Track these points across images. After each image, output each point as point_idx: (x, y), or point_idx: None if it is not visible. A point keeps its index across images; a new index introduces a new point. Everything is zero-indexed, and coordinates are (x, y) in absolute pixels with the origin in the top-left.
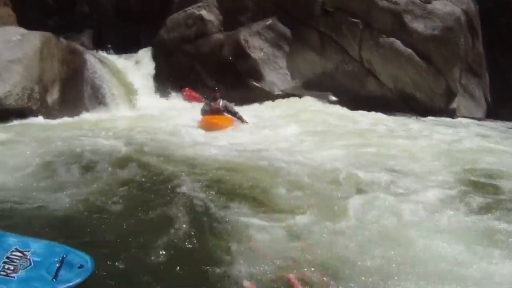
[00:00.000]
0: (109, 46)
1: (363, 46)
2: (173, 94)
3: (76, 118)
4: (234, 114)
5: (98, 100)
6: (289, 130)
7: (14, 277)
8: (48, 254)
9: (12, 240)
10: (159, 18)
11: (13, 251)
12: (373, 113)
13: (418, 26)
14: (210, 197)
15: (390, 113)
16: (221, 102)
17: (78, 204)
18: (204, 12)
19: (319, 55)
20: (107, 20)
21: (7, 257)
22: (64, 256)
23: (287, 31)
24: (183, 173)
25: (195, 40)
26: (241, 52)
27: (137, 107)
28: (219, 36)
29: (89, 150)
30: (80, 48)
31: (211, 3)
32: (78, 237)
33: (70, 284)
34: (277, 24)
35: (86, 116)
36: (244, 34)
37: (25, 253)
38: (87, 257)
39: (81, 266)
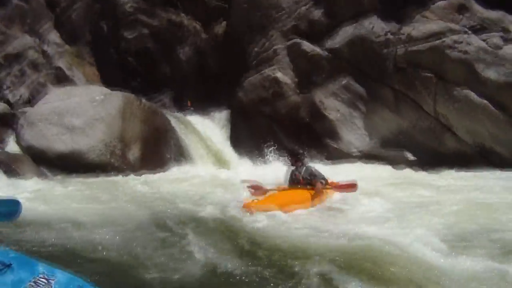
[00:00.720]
0: (189, 106)
1: (437, 100)
2: (254, 155)
3: (155, 176)
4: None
5: (178, 159)
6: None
7: None
8: (69, 284)
9: (42, 266)
10: (237, 78)
11: (40, 277)
12: (456, 172)
13: (491, 74)
14: None
15: (471, 170)
16: (303, 171)
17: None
18: (279, 74)
19: (394, 113)
20: (187, 81)
21: (34, 281)
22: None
23: (362, 90)
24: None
25: (273, 101)
26: (317, 113)
27: (216, 167)
28: (295, 97)
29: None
30: (161, 109)
31: (286, 65)
32: None
33: None
34: (352, 84)
35: (165, 173)
36: (319, 96)
37: (50, 280)
38: None
39: None
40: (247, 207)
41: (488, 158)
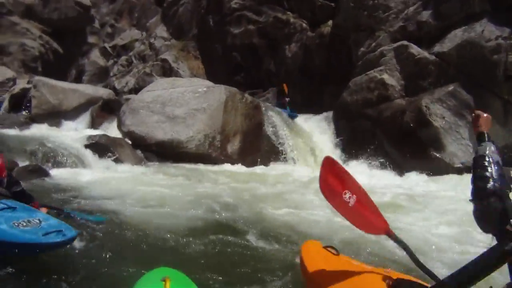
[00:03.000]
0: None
1: None
2: (355, 159)
3: (253, 170)
4: None
5: (276, 155)
6: None
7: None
8: (57, 227)
9: (40, 213)
10: (343, 79)
11: (34, 219)
12: None
13: None
14: None
15: None
16: None
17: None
18: (385, 76)
19: (502, 126)
20: (291, 78)
21: (28, 220)
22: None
23: (469, 98)
24: None
25: (377, 104)
26: (422, 119)
27: (315, 168)
28: (401, 101)
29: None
30: (264, 104)
31: (393, 67)
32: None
33: (50, 241)
34: (460, 91)
35: (264, 168)
36: (425, 101)
37: (42, 222)
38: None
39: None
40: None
41: None
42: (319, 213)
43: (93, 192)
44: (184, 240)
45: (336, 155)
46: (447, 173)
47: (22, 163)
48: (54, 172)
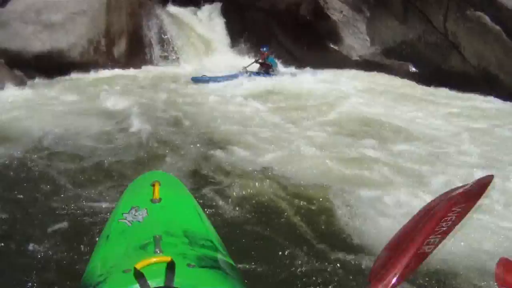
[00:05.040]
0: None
1: (449, 17)
2: (249, 51)
3: (141, 70)
4: None
5: (165, 54)
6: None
7: None
8: None
9: None
10: None
11: None
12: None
13: (508, 1)
14: None
15: (469, 92)
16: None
17: None
18: None
19: (401, 23)
20: None
21: None
22: None
23: None
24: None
25: None
26: (319, 13)
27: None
28: None
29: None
30: (149, 1)
31: None
32: None
33: None
34: None
35: (150, 68)
36: None
37: None
38: None
39: None
40: None
41: (490, 84)
42: None
43: None
44: None
45: (229, 50)
46: (345, 66)
47: None
48: None
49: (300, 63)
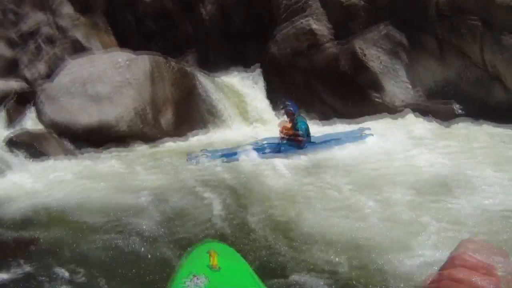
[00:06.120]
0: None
1: (485, 48)
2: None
3: (191, 141)
4: None
5: (213, 120)
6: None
7: None
8: None
9: None
10: (266, 33)
11: None
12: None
13: None
14: None
15: None
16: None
17: None
18: (314, 25)
19: (439, 62)
20: (211, 40)
21: None
22: None
23: (403, 38)
24: None
25: (308, 53)
26: (358, 64)
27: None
28: (333, 49)
29: None
30: (192, 69)
31: (319, 13)
32: None
33: None
34: (392, 32)
35: (203, 136)
36: (359, 44)
37: None
38: None
39: None
40: None
41: None
42: None
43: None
44: None
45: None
46: (389, 113)
47: None
48: None
49: (345, 117)
